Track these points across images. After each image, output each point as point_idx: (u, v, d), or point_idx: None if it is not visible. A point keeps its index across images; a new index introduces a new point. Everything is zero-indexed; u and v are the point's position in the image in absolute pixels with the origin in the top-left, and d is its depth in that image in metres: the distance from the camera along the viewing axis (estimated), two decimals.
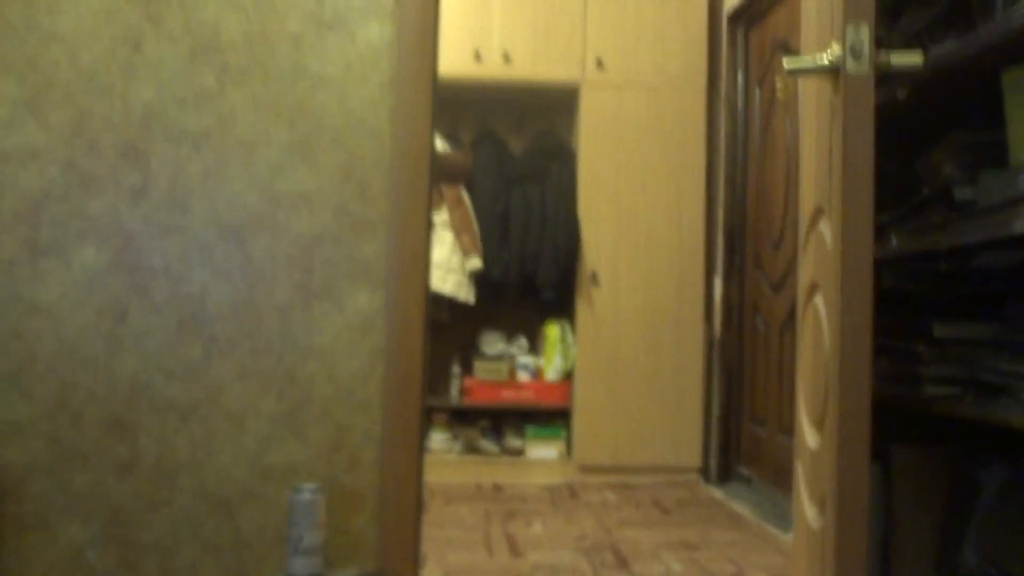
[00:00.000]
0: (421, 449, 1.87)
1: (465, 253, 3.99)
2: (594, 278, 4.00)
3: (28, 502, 1.77)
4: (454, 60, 3.94)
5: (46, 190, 1.80)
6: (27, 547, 1.77)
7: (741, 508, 3.45)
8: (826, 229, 1.51)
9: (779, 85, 3.42)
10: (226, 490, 1.80)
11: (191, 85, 1.84)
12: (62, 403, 1.79)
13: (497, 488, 3.82)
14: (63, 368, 1.79)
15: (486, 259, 4.02)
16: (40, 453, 1.78)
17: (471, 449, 4.12)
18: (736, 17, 3.93)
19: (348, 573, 1.70)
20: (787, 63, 1.50)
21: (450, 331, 4.31)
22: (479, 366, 4.17)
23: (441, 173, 4.00)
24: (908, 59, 1.41)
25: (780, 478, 3.35)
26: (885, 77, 1.63)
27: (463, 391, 4.18)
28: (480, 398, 4.12)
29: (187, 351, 1.81)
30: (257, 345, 1.82)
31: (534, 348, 4.35)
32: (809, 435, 1.61)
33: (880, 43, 1.39)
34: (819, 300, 1.57)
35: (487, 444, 4.12)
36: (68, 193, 1.81)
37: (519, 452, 4.10)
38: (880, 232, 1.94)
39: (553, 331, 4.16)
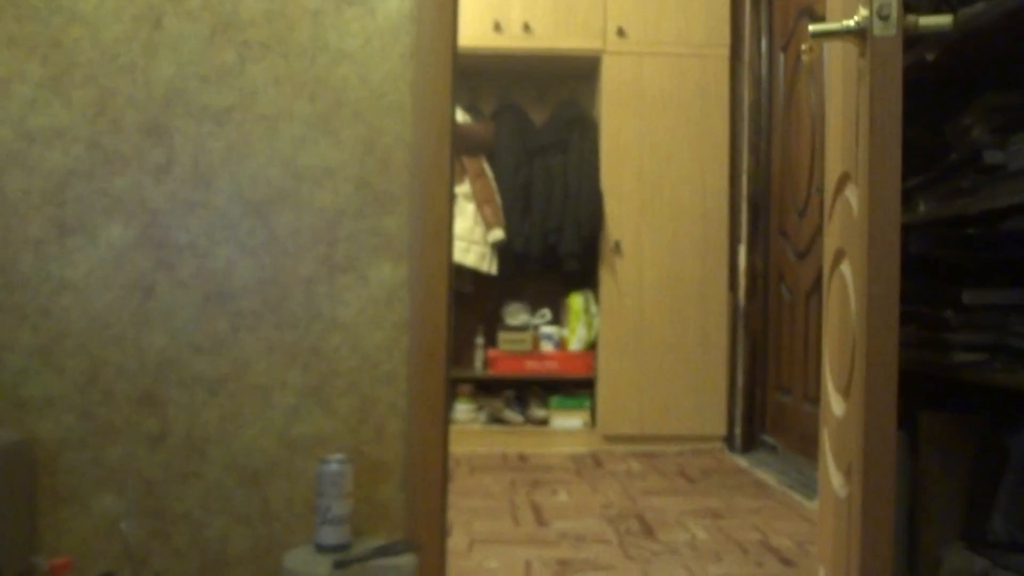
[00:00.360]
0: (446, 420, 1.88)
1: (488, 225, 3.99)
2: (617, 248, 3.99)
3: (62, 475, 1.81)
4: (474, 31, 3.92)
5: (71, 168, 1.82)
6: (62, 519, 1.81)
7: (766, 476, 3.45)
8: (852, 195, 1.49)
9: (804, 48, 3.37)
10: (255, 462, 1.83)
11: (212, 62, 1.84)
12: (93, 378, 1.82)
13: (522, 458, 3.84)
14: (93, 344, 1.82)
15: (509, 230, 4.01)
16: (73, 427, 1.81)
17: (496, 419, 4.14)
18: None
19: (376, 542, 1.72)
20: (812, 27, 1.47)
21: (474, 303, 4.32)
22: (503, 337, 4.18)
23: (463, 145, 3.99)
24: (937, 21, 1.38)
25: (805, 446, 3.35)
26: (913, 40, 1.60)
27: (487, 362, 4.20)
28: (504, 369, 4.14)
29: (214, 326, 1.83)
30: (283, 319, 1.84)
31: (557, 319, 4.35)
32: (835, 403, 1.60)
33: (908, 5, 1.36)
34: (845, 267, 1.56)
35: (511, 414, 4.14)
36: (93, 171, 1.82)
37: (543, 422, 4.12)
38: (908, 197, 1.91)
39: (576, 301, 4.16)
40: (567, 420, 4.12)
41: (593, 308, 4.13)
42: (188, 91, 1.83)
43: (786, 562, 2.39)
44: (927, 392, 1.90)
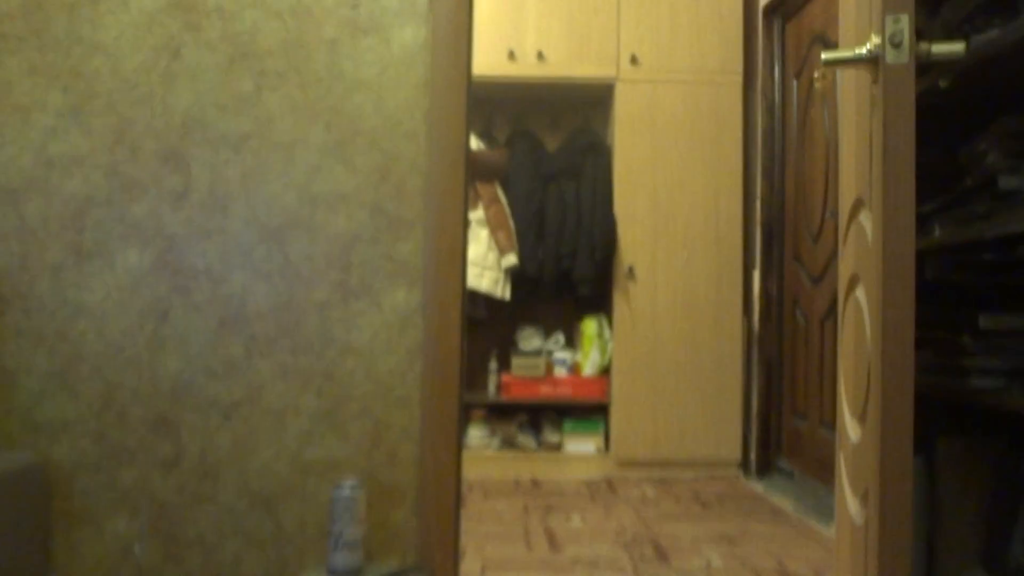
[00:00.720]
0: (459, 444, 1.88)
1: (501, 250, 4.00)
2: (631, 273, 3.99)
3: (76, 498, 1.82)
4: (488, 60, 3.96)
5: (90, 195, 1.84)
6: (76, 542, 1.81)
7: (782, 502, 3.42)
8: (867, 221, 1.49)
9: (817, 75, 3.38)
10: (268, 486, 1.83)
11: (229, 91, 1.86)
12: (108, 402, 1.83)
13: (535, 483, 3.82)
14: (108, 368, 1.83)
15: (522, 256, 4.02)
16: (87, 450, 1.82)
17: (509, 444, 4.13)
18: (772, 10, 3.88)
19: (388, 567, 1.72)
20: (825, 55, 1.48)
21: (487, 328, 4.33)
22: (516, 362, 4.18)
23: (477, 171, 4.02)
24: (949, 48, 1.39)
25: (821, 471, 3.32)
26: (926, 66, 1.60)
27: (500, 387, 4.19)
28: (517, 394, 4.13)
29: (228, 350, 1.84)
30: (297, 344, 1.85)
31: (571, 343, 4.35)
32: (851, 428, 1.59)
33: (921, 33, 1.37)
34: (860, 293, 1.55)
35: (525, 439, 4.13)
36: (112, 198, 1.85)
37: (557, 447, 4.11)
38: (923, 222, 1.91)
39: (590, 326, 4.16)
40: (581, 445, 4.10)
41: (607, 333, 4.13)
42: (205, 119, 1.86)
43: None
44: (944, 417, 1.89)
